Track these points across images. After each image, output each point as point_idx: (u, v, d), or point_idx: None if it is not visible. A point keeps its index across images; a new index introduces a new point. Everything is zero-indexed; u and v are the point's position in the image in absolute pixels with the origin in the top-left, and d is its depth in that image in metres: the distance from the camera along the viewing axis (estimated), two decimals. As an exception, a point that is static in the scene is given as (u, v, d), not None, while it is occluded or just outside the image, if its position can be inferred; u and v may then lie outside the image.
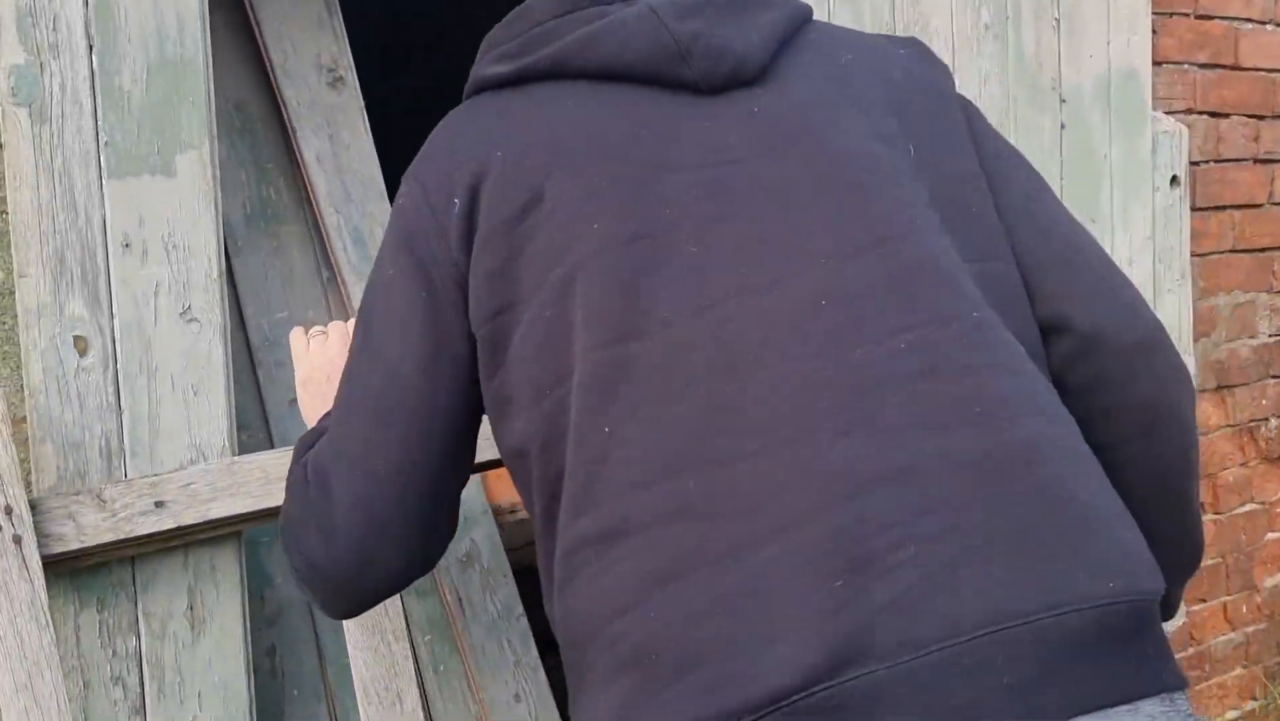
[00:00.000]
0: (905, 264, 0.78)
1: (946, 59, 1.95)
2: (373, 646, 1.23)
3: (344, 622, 1.27)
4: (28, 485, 1.23)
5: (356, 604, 0.98)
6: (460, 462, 0.94)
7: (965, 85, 1.95)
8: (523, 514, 1.84)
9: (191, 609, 1.31)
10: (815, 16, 0.97)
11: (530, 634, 1.72)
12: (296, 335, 1.22)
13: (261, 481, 1.25)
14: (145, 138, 1.26)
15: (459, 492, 0.96)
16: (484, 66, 0.96)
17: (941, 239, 0.81)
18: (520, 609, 1.73)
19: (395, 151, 1.88)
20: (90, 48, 1.23)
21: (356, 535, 0.90)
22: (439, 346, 0.88)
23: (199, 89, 1.30)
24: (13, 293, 1.24)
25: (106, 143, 1.24)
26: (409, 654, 1.23)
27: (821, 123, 0.84)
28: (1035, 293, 0.84)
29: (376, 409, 0.90)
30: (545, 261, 0.82)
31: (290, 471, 1.00)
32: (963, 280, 0.79)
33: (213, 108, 1.32)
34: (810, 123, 0.84)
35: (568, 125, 0.88)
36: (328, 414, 0.99)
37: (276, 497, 1.27)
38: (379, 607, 1.26)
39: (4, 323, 1.25)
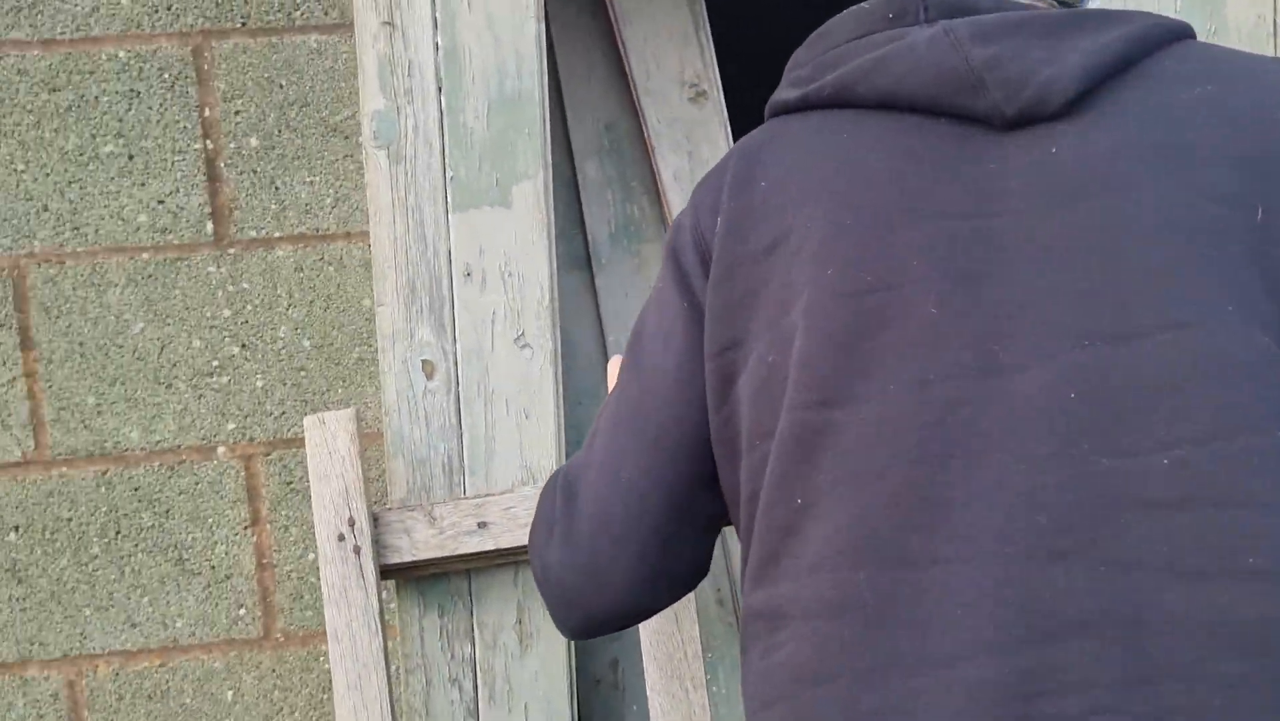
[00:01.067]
0: (1195, 359, 0.58)
1: None
2: (670, 691, 1.19)
3: (644, 661, 1.24)
4: (383, 496, 1.35)
5: (583, 620, 0.93)
6: (711, 492, 0.87)
7: None
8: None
9: (520, 623, 1.36)
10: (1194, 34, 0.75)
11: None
12: (614, 362, 1.21)
13: (575, 510, 1.26)
14: (485, 171, 1.32)
15: (706, 528, 0.89)
16: (780, 90, 0.88)
17: (1260, 336, 0.59)
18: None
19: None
20: (439, 90, 1.31)
21: (592, 544, 0.87)
22: (696, 361, 0.83)
23: (535, 121, 1.33)
24: (375, 318, 1.36)
25: (452, 178, 1.31)
26: (705, 704, 1.18)
27: (1129, 172, 0.65)
28: None
29: (630, 417, 0.87)
30: (778, 303, 0.75)
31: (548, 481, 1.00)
32: (1273, 392, 0.57)
33: (547, 138, 1.34)
34: (1115, 171, 0.65)
35: (834, 159, 0.77)
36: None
37: (591, 526, 1.28)
38: (680, 651, 1.22)
39: (372, 345, 1.38)
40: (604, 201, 1.78)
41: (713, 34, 1.79)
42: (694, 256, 0.84)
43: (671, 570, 0.88)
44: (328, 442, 1.23)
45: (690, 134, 1.75)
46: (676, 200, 1.72)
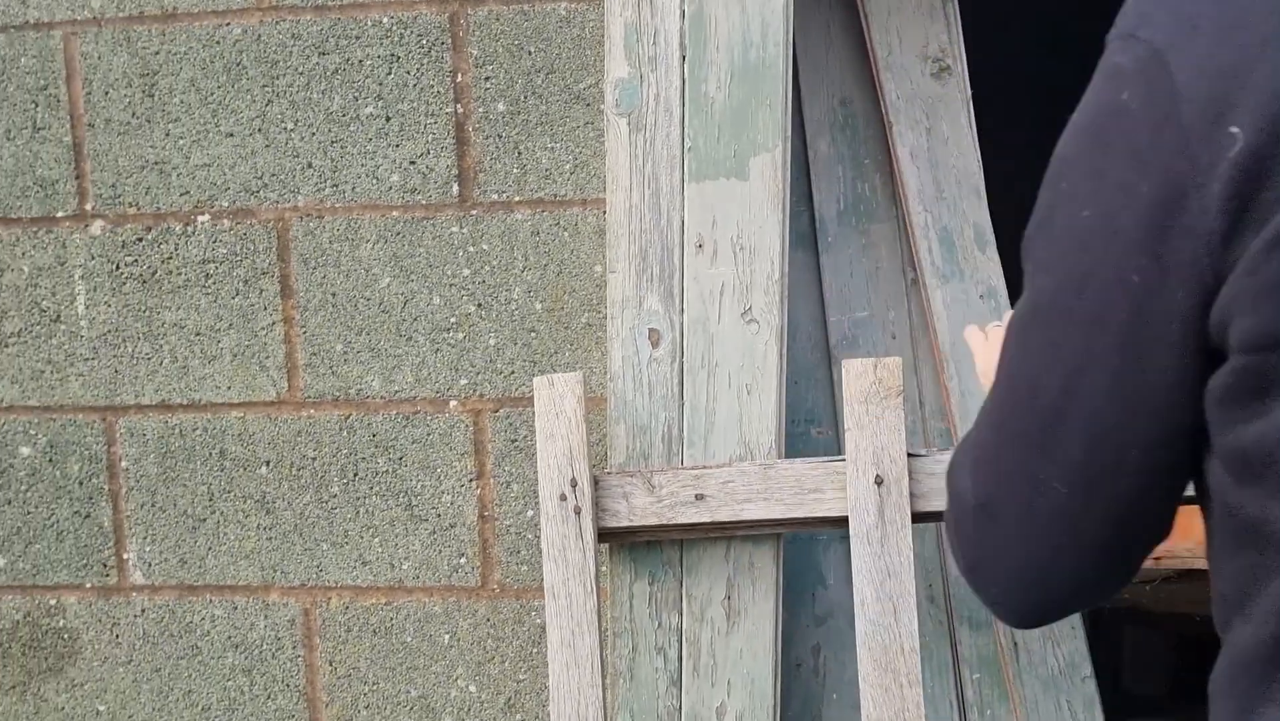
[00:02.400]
0: None
1: None
2: (884, 685, 1.15)
3: (858, 651, 1.21)
4: (604, 460, 1.37)
5: (1015, 616, 0.73)
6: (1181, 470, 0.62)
7: None
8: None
9: (729, 599, 1.36)
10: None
11: (1097, 701, 1.50)
12: (972, 331, 1.03)
13: (795, 490, 1.24)
14: (724, 141, 1.31)
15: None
16: None
17: None
18: (1088, 670, 1.51)
19: (998, 146, 1.73)
20: (683, 58, 1.31)
21: (977, 539, 0.67)
22: (1145, 339, 0.56)
23: (776, 92, 1.31)
24: (605, 284, 1.38)
25: (689, 148, 1.31)
26: (920, 701, 1.14)
27: None
28: None
29: (1030, 407, 0.61)
30: None
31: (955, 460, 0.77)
32: None
33: (789, 110, 1.32)
34: None
35: None
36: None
37: (809, 507, 1.25)
38: (896, 645, 1.18)
39: (600, 311, 1.40)
40: (834, 178, 1.73)
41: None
42: (1172, 174, 0.52)
43: (1138, 546, 0.67)
44: (555, 403, 1.26)
45: (930, 110, 1.68)
46: (911, 178, 1.65)
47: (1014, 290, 1.77)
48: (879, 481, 1.18)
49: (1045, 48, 3.13)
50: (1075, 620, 1.55)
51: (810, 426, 1.70)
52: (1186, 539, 1.65)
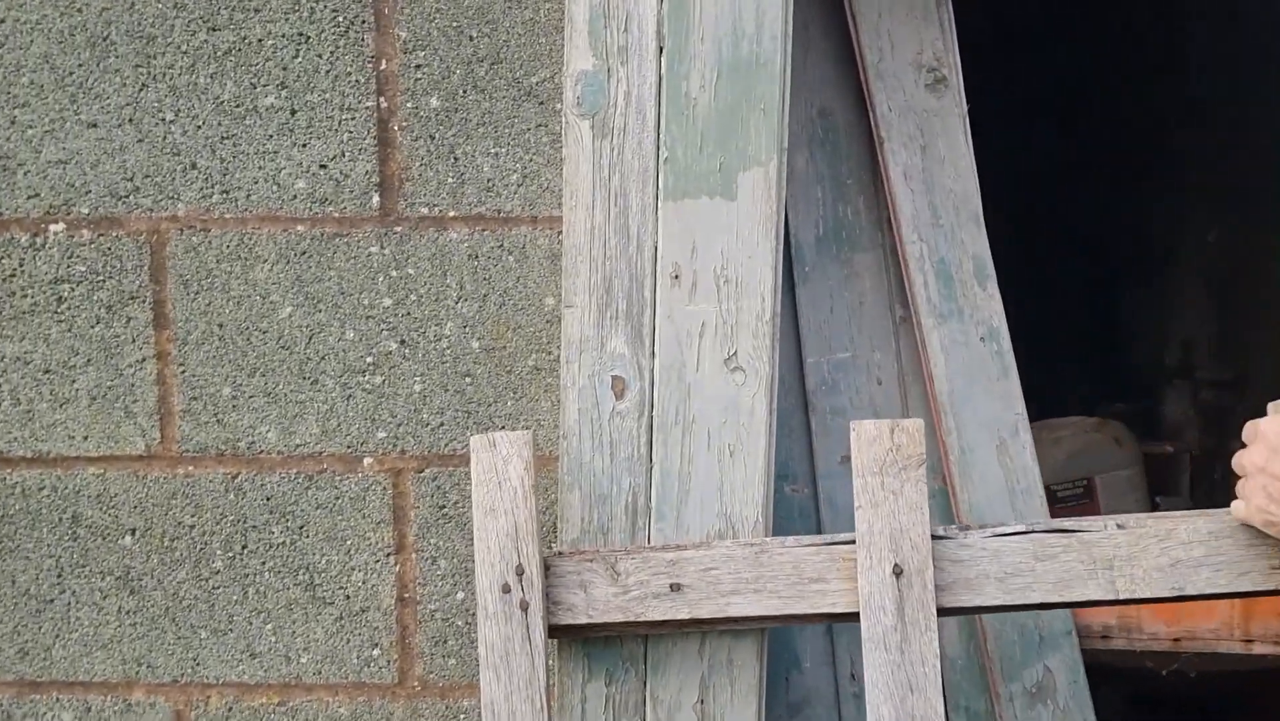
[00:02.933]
0: None
1: None
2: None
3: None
4: (552, 532, 1.12)
5: None
6: None
7: None
8: (1123, 641, 1.40)
9: (702, 702, 1.12)
10: None
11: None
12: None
13: (793, 580, 1.01)
14: (708, 152, 1.08)
15: None
16: None
17: None
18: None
19: (991, 168, 1.54)
20: (660, 50, 1.08)
21: None
22: None
23: (773, 95, 1.09)
24: (559, 321, 1.14)
25: (666, 159, 1.08)
26: None
27: None
28: None
29: None
30: None
31: None
32: None
33: (786, 117, 1.10)
34: None
35: None
36: None
37: (810, 601, 1.03)
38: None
39: (552, 353, 1.16)
40: (812, 200, 1.52)
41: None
42: None
43: None
44: (498, 470, 1.01)
45: (925, 126, 1.48)
46: (905, 203, 1.45)
47: (1015, 330, 1.58)
48: (898, 572, 0.96)
49: (1039, 65, 2.99)
50: (1090, 710, 1.36)
51: (784, 483, 1.48)
52: (1210, 619, 1.48)
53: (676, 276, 1.09)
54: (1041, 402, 1.71)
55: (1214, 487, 3.58)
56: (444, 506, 1.19)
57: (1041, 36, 3.33)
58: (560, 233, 1.12)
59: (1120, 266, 4.09)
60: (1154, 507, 3.46)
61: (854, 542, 0.99)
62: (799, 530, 1.44)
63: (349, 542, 1.19)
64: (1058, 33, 3.32)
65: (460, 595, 1.19)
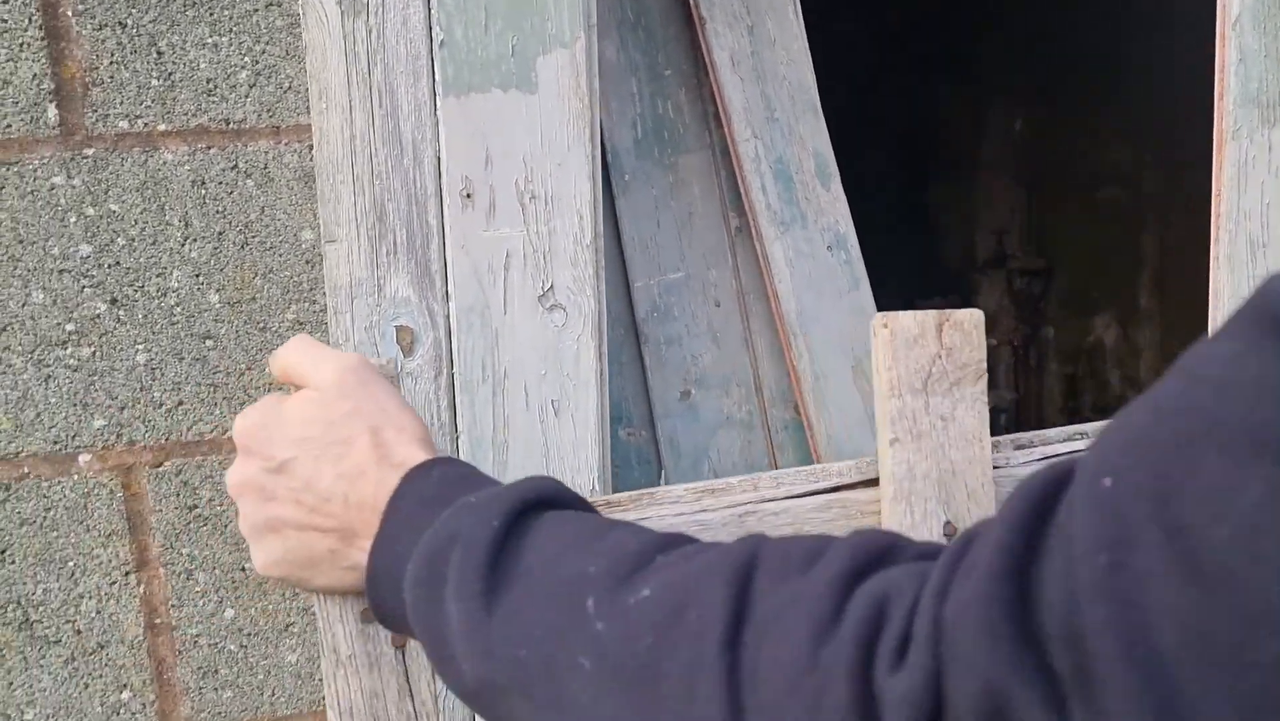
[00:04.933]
0: None
1: None
2: None
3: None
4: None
5: None
6: None
7: None
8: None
9: None
10: None
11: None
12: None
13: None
14: (495, 32, 0.84)
15: None
16: None
17: None
18: None
19: (821, 50, 1.36)
20: (423, -104, 0.82)
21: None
22: None
23: (573, -46, 0.86)
24: (319, 261, 0.89)
25: (443, 42, 0.83)
26: None
27: None
28: None
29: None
30: None
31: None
32: None
33: (592, -17, 0.87)
34: None
35: None
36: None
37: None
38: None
39: (318, 300, 0.91)
40: (626, 96, 1.30)
41: None
42: None
43: None
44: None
45: (751, 4, 1.28)
46: (734, 94, 1.25)
47: (863, 235, 1.43)
48: (950, 534, 0.67)
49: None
50: None
51: (618, 426, 1.29)
52: None
53: (468, 195, 0.86)
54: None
55: (1029, 374, 3.66)
56: (195, 506, 0.93)
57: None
58: (313, 146, 0.86)
59: (929, 162, 4.07)
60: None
61: (875, 484, 0.65)
62: (638, 480, 1.25)
63: (71, 564, 0.92)
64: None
65: (230, 612, 0.95)
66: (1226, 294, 0.96)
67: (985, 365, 0.56)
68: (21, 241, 0.87)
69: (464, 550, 0.46)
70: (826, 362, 1.22)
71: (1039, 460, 0.61)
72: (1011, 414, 3.29)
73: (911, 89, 3.84)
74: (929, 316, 0.57)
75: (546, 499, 0.50)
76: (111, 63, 0.85)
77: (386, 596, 0.50)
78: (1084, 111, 3.16)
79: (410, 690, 0.57)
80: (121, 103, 0.86)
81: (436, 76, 0.84)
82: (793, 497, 0.59)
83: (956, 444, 0.57)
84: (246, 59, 0.87)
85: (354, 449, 0.52)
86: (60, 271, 0.88)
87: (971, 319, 0.56)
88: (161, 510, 0.92)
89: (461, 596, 0.45)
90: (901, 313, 0.56)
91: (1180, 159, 2.72)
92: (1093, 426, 0.57)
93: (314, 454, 0.52)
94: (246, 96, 0.87)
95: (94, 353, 0.89)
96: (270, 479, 0.53)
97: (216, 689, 0.96)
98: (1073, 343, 3.42)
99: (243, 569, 0.94)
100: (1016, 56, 3.39)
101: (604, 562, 0.44)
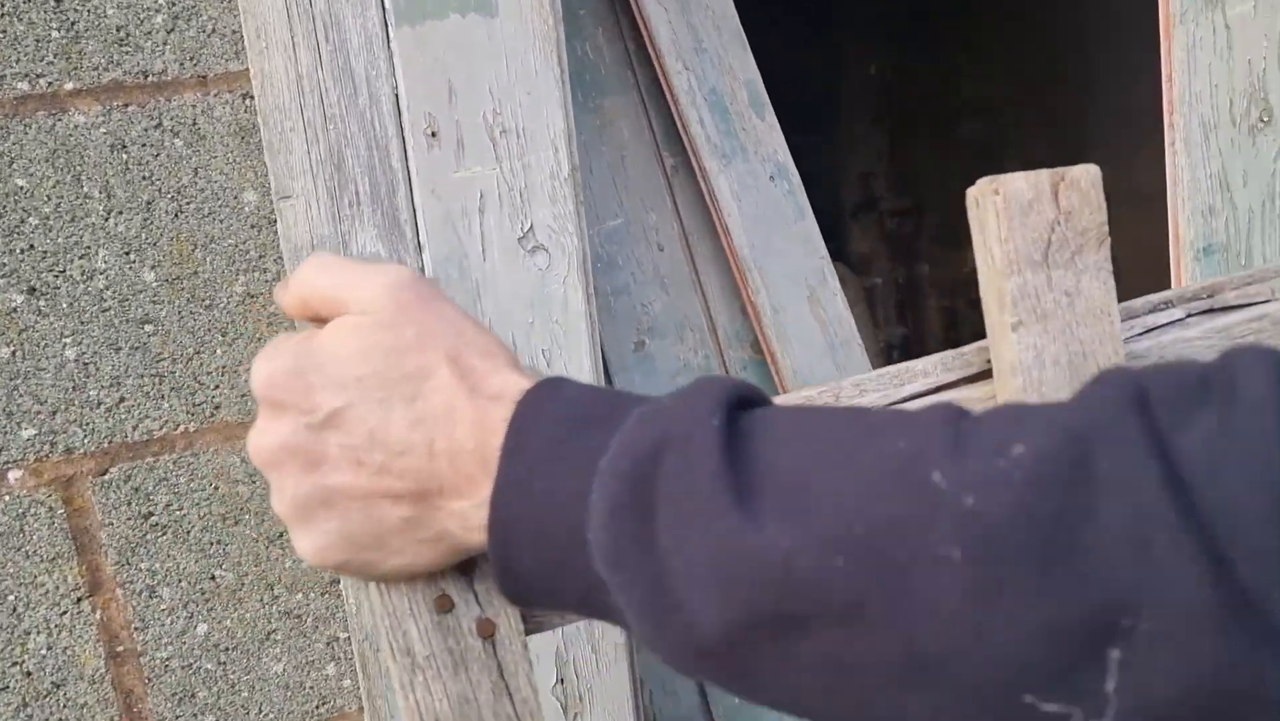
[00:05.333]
0: None
1: None
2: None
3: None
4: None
5: None
6: None
7: None
8: None
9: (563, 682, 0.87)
10: None
11: None
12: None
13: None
14: (447, -49, 0.77)
15: None
16: None
17: None
18: None
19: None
20: None
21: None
22: None
23: None
24: (269, 222, 0.80)
25: (389, -35, 0.75)
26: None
27: None
28: None
29: None
30: None
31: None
32: None
33: (544, -107, 0.80)
34: None
35: None
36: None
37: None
38: None
39: (267, 269, 0.82)
40: (542, 40, 1.23)
41: None
42: None
43: None
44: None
45: (665, -68, 1.23)
46: (662, 28, 1.20)
47: (801, 163, 1.40)
48: None
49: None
50: None
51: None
52: None
53: (433, 133, 0.78)
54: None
55: (914, 310, 3.75)
56: (150, 515, 0.83)
57: None
58: (248, 95, 0.77)
59: (788, 109, 4.12)
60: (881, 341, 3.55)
61: (984, 378, 0.55)
62: (606, 438, 1.20)
63: (12, 597, 0.80)
64: None
65: (202, 627, 0.85)
66: (1186, 177, 0.97)
67: (1107, 229, 0.51)
68: (-87, 231, 0.75)
69: (684, 460, 0.35)
70: (783, 296, 1.19)
71: (1140, 333, 0.57)
72: (903, 349, 3.36)
73: (764, 38, 3.86)
74: (1042, 176, 0.51)
75: (745, 395, 0.39)
76: (3, 15, 0.74)
77: (523, 556, 0.39)
78: (940, 50, 3.24)
79: (507, 687, 0.48)
80: (19, 60, 0.75)
81: (387, 4, 0.76)
82: (891, 405, 0.53)
83: (1085, 321, 0.50)
84: (161, 1, 0.77)
85: (432, 382, 0.40)
86: (-36, 262, 0.76)
87: (1089, 175, 0.50)
88: (112, 523, 0.82)
89: (706, 514, 0.34)
90: (1008, 175, 0.51)
91: (1037, 84, 2.82)
92: (1176, 292, 0.55)
93: (377, 396, 0.40)
94: (164, 44, 0.77)
95: (14, 352, 0.78)
96: (315, 437, 0.41)
97: (195, 714, 0.86)
98: (948, 276, 3.52)
99: (212, 577, 0.85)
100: None
101: (916, 432, 0.34)
